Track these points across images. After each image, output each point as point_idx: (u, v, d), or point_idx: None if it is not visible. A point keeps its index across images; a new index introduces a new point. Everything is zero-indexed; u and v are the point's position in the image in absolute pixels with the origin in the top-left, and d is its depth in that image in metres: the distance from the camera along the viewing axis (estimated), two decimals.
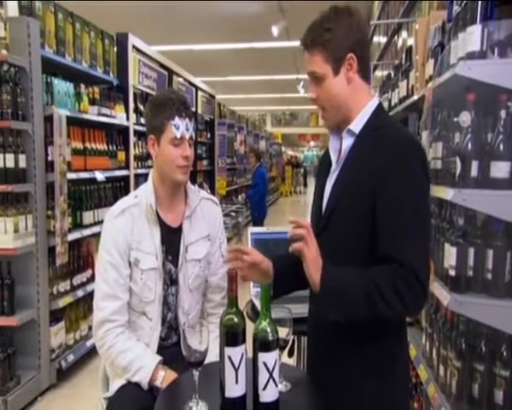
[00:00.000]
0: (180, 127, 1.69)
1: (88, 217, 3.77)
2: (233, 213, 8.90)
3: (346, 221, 1.31)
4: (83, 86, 3.73)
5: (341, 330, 1.31)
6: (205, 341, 1.29)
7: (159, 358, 1.69)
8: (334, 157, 1.43)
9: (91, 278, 3.78)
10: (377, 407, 1.34)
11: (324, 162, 1.50)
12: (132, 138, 4.56)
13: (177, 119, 1.69)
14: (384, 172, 1.25)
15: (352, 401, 1.35)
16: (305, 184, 24.74)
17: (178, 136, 1.69)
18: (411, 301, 1.22)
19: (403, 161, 1.26)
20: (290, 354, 2.09)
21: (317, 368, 1.46)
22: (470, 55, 1.63)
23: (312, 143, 29.35)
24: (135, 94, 4.72)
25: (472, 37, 1.61)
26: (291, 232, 1.26)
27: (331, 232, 1.35)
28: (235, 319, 1.22)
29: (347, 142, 1.38)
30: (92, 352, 3.69)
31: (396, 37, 5.18)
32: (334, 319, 1.25)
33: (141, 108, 4.83)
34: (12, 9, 3.14)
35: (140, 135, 4.80)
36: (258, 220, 7.44)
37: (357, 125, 1.37)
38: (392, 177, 1.25)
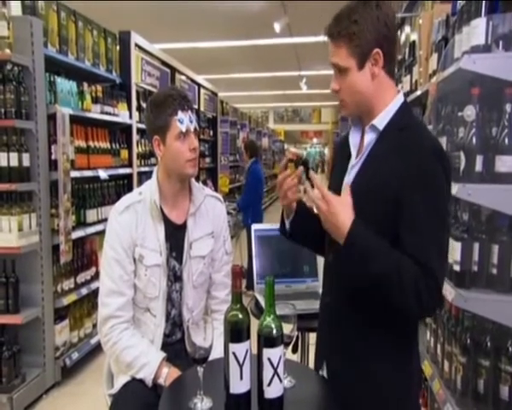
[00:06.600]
0: (184, 121, 1.70)
1: (91, 215, 3.78)
2: (233, 212, 8.86)
3: (366, 221, 1.27)
4: (86, 85, 3.72)
5: (361, 321, 1.33)
6: (209, 337, 1.29)
7: (163, 354, 1.69)
8: (354, 151, 1.39)
9: (95, 276, 3.79)
10: (390, 395, 1.33)
11: (342, 154, 1.45)
12: (135, 136, 4.56)
13: (180, 113, 1.69)
14: (406, 177, 1.23)
15: (366, 388, 1.34)
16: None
17: (184, 129, 1.70)
18: (428, 303, 1.22)
19: (425, 169, 1.23)
20: (294, 351, 2.09)
21: (332, 358, 1.44)
22: (475, 49, 1.62)
23: (315, 140, 29.25)
24: (137, 92, 4.72)
25: (476, 30, 1.60)
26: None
27: None
28: (240, 316, 1.21)
29: (370, 137, 1.33)
30: (96, 350, 3.70)
31: (399, 32, 5.16)
32: (349, 272, 1.28)
33: (143, 106, 4.83)
34: (15, 9, 3.14)
35: (143, 133, 4.79)
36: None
37: (381, 121, 1.32)
38: (415, 183, 1.22)
